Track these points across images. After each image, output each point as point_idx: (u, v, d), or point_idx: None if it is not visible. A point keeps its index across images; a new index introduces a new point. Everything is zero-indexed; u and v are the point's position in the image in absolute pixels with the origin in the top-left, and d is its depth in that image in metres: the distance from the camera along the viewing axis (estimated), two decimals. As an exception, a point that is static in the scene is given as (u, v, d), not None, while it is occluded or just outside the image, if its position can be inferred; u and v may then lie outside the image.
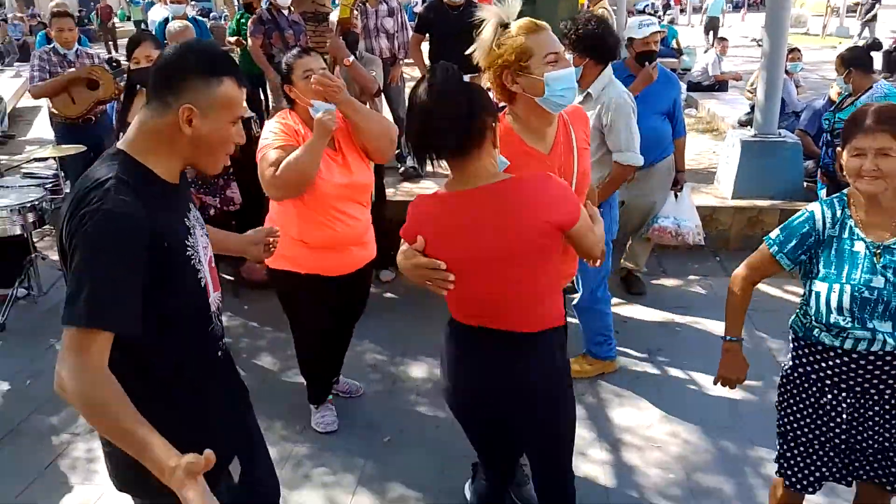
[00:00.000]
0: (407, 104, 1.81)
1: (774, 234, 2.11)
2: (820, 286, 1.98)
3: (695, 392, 3.46)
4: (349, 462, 3.00)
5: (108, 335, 1.37)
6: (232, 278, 4.61)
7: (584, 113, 2.38)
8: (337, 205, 2.78)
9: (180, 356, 1.59)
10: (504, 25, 2.06)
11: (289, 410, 3.30)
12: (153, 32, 7.26)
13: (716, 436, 3.13)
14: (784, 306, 4.31)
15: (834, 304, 1.95)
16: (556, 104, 2.06)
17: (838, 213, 2.00)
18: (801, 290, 4.62)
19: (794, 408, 2.15)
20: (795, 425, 2.16)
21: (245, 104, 1.62)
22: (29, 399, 3.47)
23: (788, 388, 2.18)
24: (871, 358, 1.97)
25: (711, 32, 17.97)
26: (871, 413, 2.04)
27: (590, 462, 2.98)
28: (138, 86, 3.50)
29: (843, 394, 2.04)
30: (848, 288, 1.93)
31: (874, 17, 17.68)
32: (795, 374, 2.14)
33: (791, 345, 2.18)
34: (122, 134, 3.51)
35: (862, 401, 2.03)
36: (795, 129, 5.71)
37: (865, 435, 2.07)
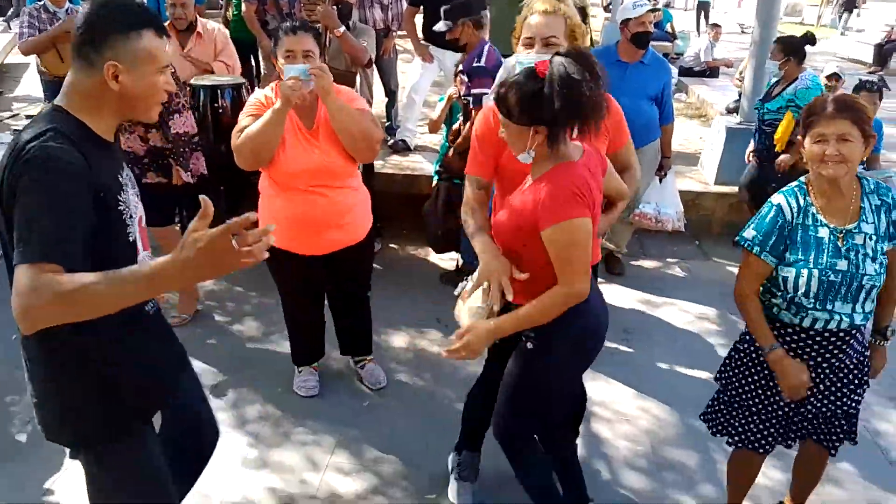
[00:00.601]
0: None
1: (749, 234, 2.13)
2: (787, 271, 2.06)
3: (666, 370, 3.57)
4: (329, 424, 3.08)
5: (59, 270, 1.35)
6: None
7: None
8: (304, 185, 2.80)
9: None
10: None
11: (272, 374, 3.38)
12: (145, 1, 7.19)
13: (684, 412, 3.24)
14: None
15: (801, 288, 2.04)
16: None
17: (801, 200, 2.08)
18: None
19: (749, 379, 2.27)
20: (745, 395, 2.29)
21: (172, 56, 1.65)
22: (12, 352, 3.51)
23: (743, 359, 2.29)
24: (827, 335, 2.09)
25: (703, 14, 18.14)
26: (822, 386, 2.19)
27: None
28: None
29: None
30: (816, 272, 2.02)
31: (850, 8, 17.72)
32: (752, 349, 2.25)
33: (745, 332, 2.28)
34: None
35: (815, 373, 2.16)
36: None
37: (814, 403, 2.22)
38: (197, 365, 3.54)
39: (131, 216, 1.65)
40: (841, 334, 2.10)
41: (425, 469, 2.85)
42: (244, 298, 4.14)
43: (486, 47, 3.86)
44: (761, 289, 2.19)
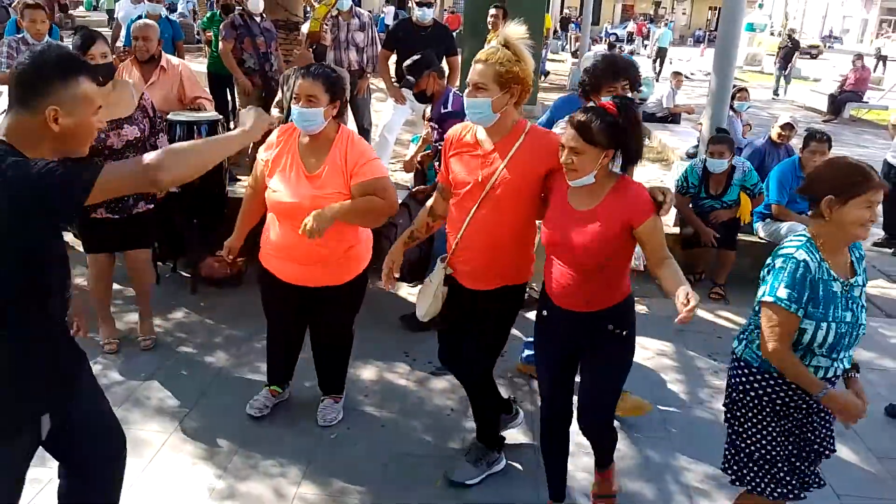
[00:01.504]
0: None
1: (784, 293, 2.12)
2: (808, 324, 2.14)
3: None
4: (296, 456, 3.13)
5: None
6: (190, 275, 4.70)
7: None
8: (284, 216, 2.94)
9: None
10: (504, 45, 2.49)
11: (241, 404, 3.41)
12: (122, 27, 7.31)
13: (644, 445, 3.36)
14: (713, 329, 4.61)
15: (819, 340, 2.15)
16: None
17: (815, 255, 2.18)
18: (729, 315, 4.89)
19: (765, 430, 2.32)
20: (764, 443, 2.33)
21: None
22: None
23: (747, 414, 2.34)
24: (825, 381, 2.23)
25: (659, 61, 19.08)
26: (815, 425, 2.35)
27: (525, 462, 3.17)
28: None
29: (800, 413, 2.31)
30: (833, 325, 2.15)
31: (785, 65, 18.08)
32: (755, 403, 2.31)
33: (742, 376, 2.33)
34: None
35: (809, 418, 2.32)
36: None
37: (810, 442, 2.37)
38: (166, 395, 3.64)
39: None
40: (834, 379, 2.26)
41: (390, 499, 2.91)
42: (215, 330, 4.18)
43: (451, 94, 4.08)
44: (751, 345, 2.31)
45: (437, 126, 4.01)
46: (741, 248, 5.27)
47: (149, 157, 1.72)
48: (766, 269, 2.24)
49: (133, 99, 3.63)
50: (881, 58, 16.98)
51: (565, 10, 28.22)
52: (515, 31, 2.47)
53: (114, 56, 3.84)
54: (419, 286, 3.36)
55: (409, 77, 4.05)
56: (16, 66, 1.73)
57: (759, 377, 2.29)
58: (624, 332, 2.55)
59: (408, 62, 4.09)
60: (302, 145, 2.94)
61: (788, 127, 5.97)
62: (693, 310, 2.13)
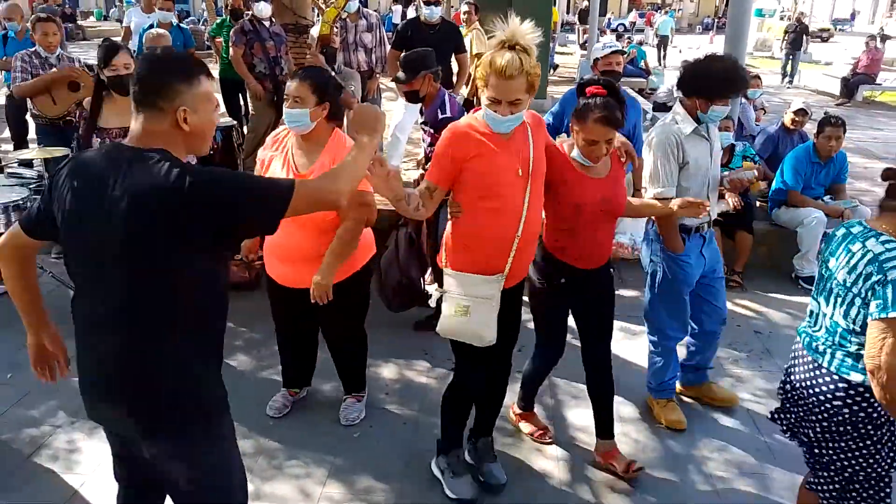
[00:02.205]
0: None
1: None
2: None
3: (644, 396, 3.69)
4: (320, 456, 3.17)
5: None
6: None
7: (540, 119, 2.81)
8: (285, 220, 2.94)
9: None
10: (511, 46, 2.41)
11: (262, 407, 3.46)
12: (133, 38, 7.39)
13: (664, 437, 3.37)
14: (731, 318, 4.58)
15: None
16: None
17: None
18: (747, 303, 4.86)
19: (878, 446, 2.22)
20: (879, 458, 2.23)
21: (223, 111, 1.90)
22: (10, 391, 3.59)
23: (855, 433, 2.19)
24: None
25: (662, 49, 18.99)
26: None
27: (545, 458, 3.19)
28: (109, 91, 3.69)
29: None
30: None
31: (797, 48, 17.42)
32: (867, 421, 2.17)
33: (843, 392, 2.16)
34: (94, 136, 3.65)
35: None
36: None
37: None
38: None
39: None
40: None
41: (414, 496, 2.94)
42: (235, 334, 4.23)
43: (447, 97, 4.03)
44: (855, 362, 2.15)
45: (431, 130, 3.99)
46: (757, 236, 5.25)
47: (322, 179, 1.88)
48: (872, 281, 2.04)
49: None
50: (884, 38, 16.59)
51: (583, 2, 28.23)
52: (521, 30, 2.43)
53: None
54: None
55: (401, 74, 3.95)
56: (136, 74, 1.78)
57: (866, 394, 2.13)
58: (612, 269, 3.05)
59: (403, 58, 4.03)
60: (294, 146, 3.00)
61: (802, 112, 5.92)
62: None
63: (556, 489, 3.00)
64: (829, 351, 2.21)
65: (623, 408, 3.57)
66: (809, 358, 2.28)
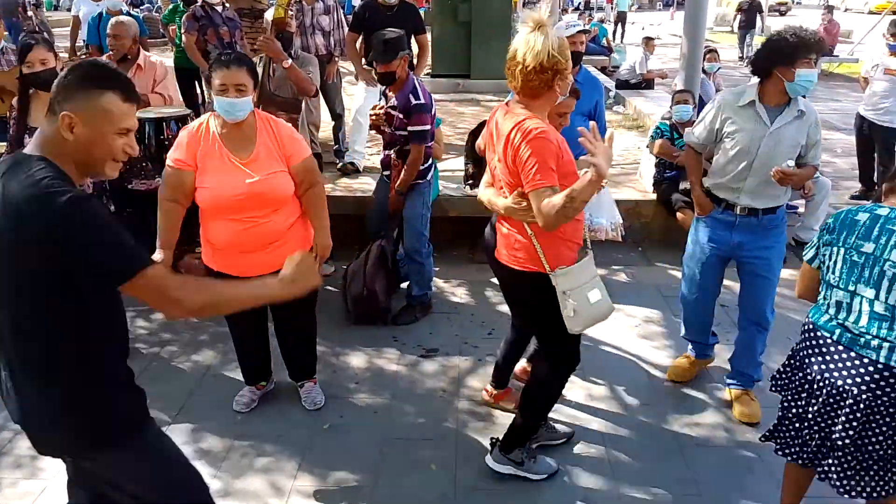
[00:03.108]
0: None
1: None
2: None
3: (616, 374, 3.71)
4: (291, 449, 3.12)
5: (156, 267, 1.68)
6: (170, 274, 4.64)
7: None
8: (234, 212, 2.87)
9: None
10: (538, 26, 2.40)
11: (230, 402, 3.39)
12: (83, 27, 7.15)
13: (635, 412, 3.38)
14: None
15: None
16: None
17: None
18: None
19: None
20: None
21: (135, 115, 1.75)
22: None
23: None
24: None
25: (620, 25, 19.03)
26: None
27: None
28: (33, 89, 3.55)
29: None
30: None
31: (752, 25, 17.14)
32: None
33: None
34: (27, 137, 3.53)
35: None
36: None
37: None
38: (152, 398, 3.54)
39: None
40: None
41: (387, 485, 2.91)
42: (199, 328, 4.14)
43: (417, 83, 3.97)
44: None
45: (401, 116, 3.91)
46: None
47: (183, 285, 1.70)
48: None
49: None
50: (830, 8, 16.59)
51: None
52: (534, 15, 2.43)
53: (77, 56, 3.75)
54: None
55: (382, 54, 3.83)
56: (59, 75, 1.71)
57: None
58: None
59: (382, 39, 3.90)
60: (224, 137, 2.87)
61: (761, 86, 5.96)
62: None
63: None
64: (885, 345, 2.12)
65: (595, 388, 3.58)
66: (854, 353, 2.18)
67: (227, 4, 5.99)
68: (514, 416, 2.98)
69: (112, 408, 1.80)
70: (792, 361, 2.44)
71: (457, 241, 5.26)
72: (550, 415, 3.13)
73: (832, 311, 2.28)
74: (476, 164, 4.99)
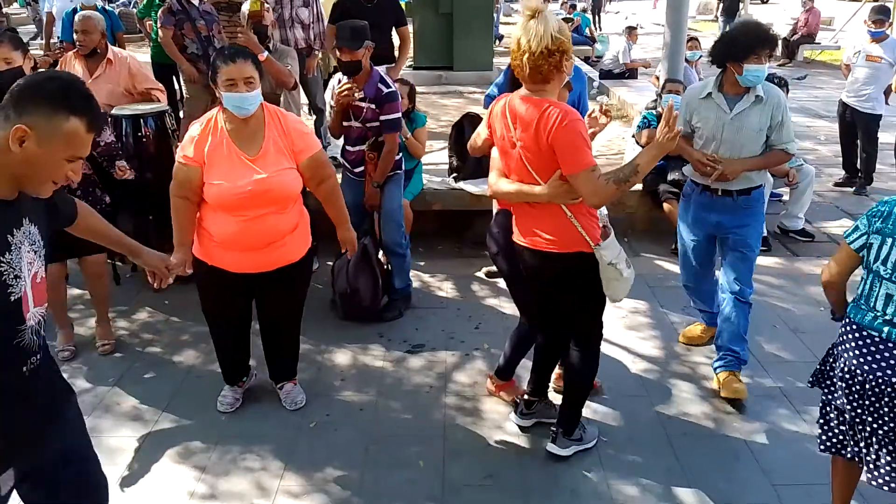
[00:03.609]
0: None
1: None
2: None
3: (603, 364, 3.66)
4: (276, 448, 3.07)
5: None
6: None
7: None
8: (242, 209, 2.83)
9: None
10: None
11: (214, 403, 3.34)
12: (57, 23, 7.03)
13: (623, 404, 3.37)
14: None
15: None
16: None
17: None
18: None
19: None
20: None
21: (92, 143, 1.66)
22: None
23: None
24: None
25: (595, 14, 19.04)
26: None
27: (506, 433, 3.16)
28: None
29: None
30: None
31: (733, 11, 16.63)
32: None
33: None
34: None
35: None
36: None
37: None
38: (136, 399, 3.56)
39: (17, 276, 1.64)
40: None
41: (374, 483, 2.88)
42: (181, 328, 4.08)
43: (384, 72, 3.92)
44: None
45: (373, 107, 3.83)
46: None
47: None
48: None
49: None
50: None
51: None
52: (530, 3, 2.47)
53: (52, 51, 3.66)
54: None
55: (348, 41, 3.71)
56: (29, 77, 1.62)
57: None
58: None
59: (349, 26, 3.78)
60: (232, 133, 2.82)
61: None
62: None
63: (518, 455, 2.98)
64: None
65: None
66: None
67: (204, -2, 5.89)
68: (559, 402, 3.09)
69: None
70: (831, 359, 2.42)
71: (441, 234, 5.23)
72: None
73: (880, 304, 2.21)
74: (460, 157, 4.95)
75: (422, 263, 4.84)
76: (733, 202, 3.36)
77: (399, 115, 3.90)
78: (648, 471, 2.93)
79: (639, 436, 3.16)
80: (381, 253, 4.19)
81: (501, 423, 3.24)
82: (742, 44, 3.16)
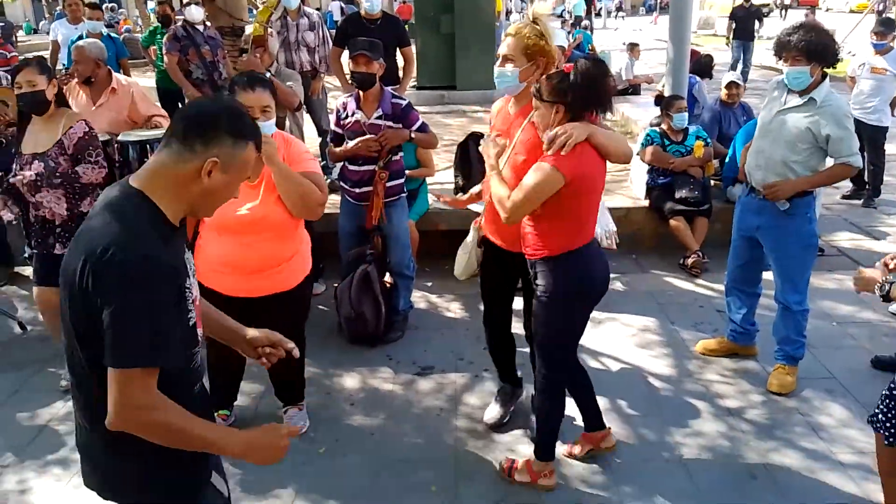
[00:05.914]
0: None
1: None
2: None
3: (613, 383, 3.65)
4: (286, 475, 3.03)
5: (157, 371, 1.50)
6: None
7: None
8: (240, 233, 2.83)
9: (167, 390, 1.55)
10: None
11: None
12: (62, 51, 7.09)
13: (636, 423, 3.32)
14: (693, 298, 4.58)
15: None
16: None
17: None
18: (705, 282, 4.86)
19: None
20: None
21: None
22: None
23: None
24: None
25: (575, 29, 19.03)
26: None
27: (518, 456, 3.11)
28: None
29: None
30: None
31: (749, 37, 12.44)
32: None
33: None
34: (14, 161, 3.45)
35: None
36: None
37: None
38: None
39: (194, 300, 1.67)
40: None
41: (386, 509, 2.84)
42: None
43: (389, 90, 3.95)
44: None
45: (393, 123, 3.82)
46: (713, 213, 5.26)
47: (122, 403, 1.47)
48: None
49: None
50: (784, 7, 15.83)
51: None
52: (542, 7, 2.62)
53: (58, 79, 3.67)
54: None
55: (371, 50, 3.73)
56: (189, 106, 1.66)
57: None
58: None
59: (368, 41, 3.80)
60: None
61: (734, 85, 5.98)
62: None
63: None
64: None
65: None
66: None
67: (208, 23, 5.95)
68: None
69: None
70: None
71: (447, 255, 5.20)
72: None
73: None
74: (465, 176, 4.95)
75: (429, 283, 4.82)
76: (776, 206, 3.34)
77: (421, 119, 3.93)
78: (662, 492, 2.88)
79: (651, 456, 3.11)
80: (386, 275, 4.17)
81: (513, 445, 3.20)
82: (776, 43, 3.28)
